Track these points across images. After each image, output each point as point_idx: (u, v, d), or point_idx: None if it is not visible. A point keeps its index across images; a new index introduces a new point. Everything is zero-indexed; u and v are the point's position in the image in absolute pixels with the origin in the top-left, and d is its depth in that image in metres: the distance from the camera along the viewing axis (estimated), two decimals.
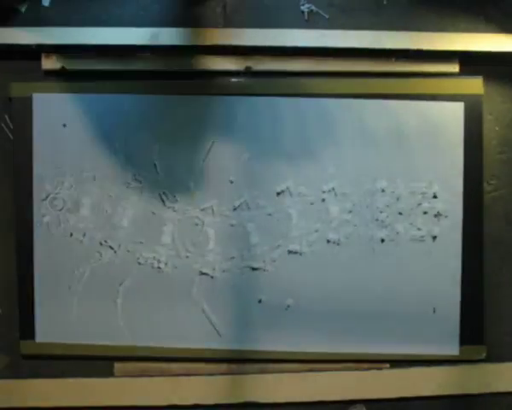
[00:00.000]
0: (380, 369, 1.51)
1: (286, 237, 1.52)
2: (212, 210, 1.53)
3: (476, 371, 1.52)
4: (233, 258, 1.52)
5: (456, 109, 1.51)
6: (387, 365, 1.52)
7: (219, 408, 1.52)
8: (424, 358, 1.51)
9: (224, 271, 1.53)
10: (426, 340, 1.51)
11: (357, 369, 1.51)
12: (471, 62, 1.52)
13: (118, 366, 1.55)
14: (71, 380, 1.53)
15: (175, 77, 1.54)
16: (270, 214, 1.52)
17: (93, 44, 1.51)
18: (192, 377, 1.52)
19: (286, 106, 1.51)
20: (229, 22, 1.54)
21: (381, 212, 1.52)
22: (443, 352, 1.51)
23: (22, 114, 1.52)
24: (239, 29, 1.51)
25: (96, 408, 1.52)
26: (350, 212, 1.52)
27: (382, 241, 1.51)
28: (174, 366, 1.54)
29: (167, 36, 1.51)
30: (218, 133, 1.52)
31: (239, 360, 1.53)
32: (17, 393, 1.52)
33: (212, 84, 1.53)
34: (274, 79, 1.53)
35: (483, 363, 1.52)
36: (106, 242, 1.53)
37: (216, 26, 1.53)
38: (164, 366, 1.54)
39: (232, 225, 1.52)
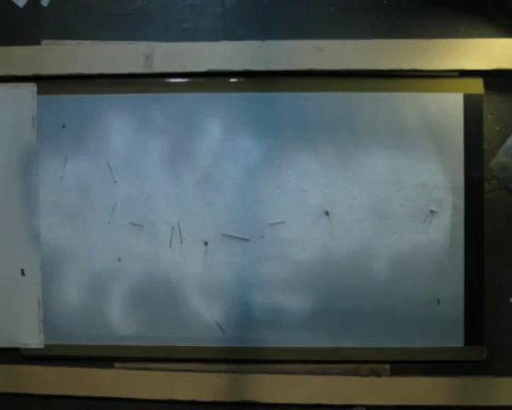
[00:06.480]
0: (379, 376, 1.51)
1: (287, 236, 1.52)
2: (214, 209, 1.53)
3: (476, 384, 1.50)
4: (234, 256, 1.52)
5: (456, 101, 1.51)
6: (387, 366, 1.52)
7: (217, 406, 1.52)
8: (426, 357, 1.51)
9: (225, 269, 1.52)
10: (430, 332, 1.51)
11: (357, 370, 1.51)
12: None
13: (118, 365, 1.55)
14: (72, 369, 1.54)
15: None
16: (270, 214, 1.52)
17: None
18: (191, 374, 1.52)
19: (286, 102, 1.51)
20: None
21: (383, 204, 1.52)
22: (447, 344, 1.51)
23: None
24: None
25: (95, 399, 1.53)
26: (351, 206, 1.52)
27: (384, 234, 1.51)
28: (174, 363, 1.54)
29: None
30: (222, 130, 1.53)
31: (242, 359, 1.53)
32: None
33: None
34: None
35: (484, 377, 1.51)
36: (107, 243, 1.53)
37: None
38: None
39: (233, 225, 1.53)
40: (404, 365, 1.52)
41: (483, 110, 1.51)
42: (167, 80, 1.53)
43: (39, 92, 1.53)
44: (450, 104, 1.51)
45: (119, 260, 1.53)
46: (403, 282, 1.51)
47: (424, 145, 1.51)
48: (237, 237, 1.52)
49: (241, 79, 1.53)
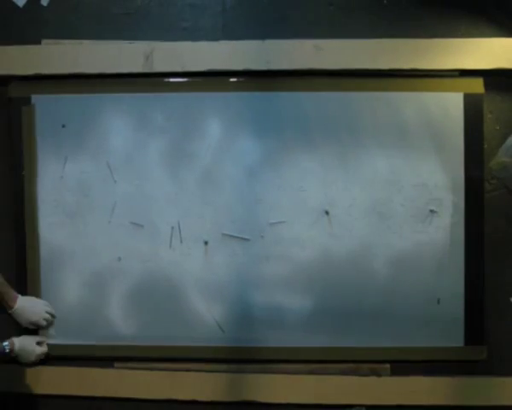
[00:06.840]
0: (379, 376, 1.51)
1: (287, 236, 1.52)
2: (214, 209, 1.53)
3: (476, 384, 1.51)
4: (234, 256, 1.53)
5: (457, 101, 1.51)
6: (387, 365, 1.52)
7: (217, 405, 1.52)
8: (426, 356, 1.51)
9: (224, 269, 1.53)
10: (430, 331, 1.51)
11: (357, 370, 1.51)
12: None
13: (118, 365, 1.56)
14: (72, 369, 1.54)
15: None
16: (270, 214, 1.52)
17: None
18: (191, 373, 1.53)
19: (286, 101, 1.51)
20: None
21: (383, 204, 1.52)
22: (447, 344, 1.51)
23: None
24: None
25: (95, 398, 1.53)
26: (350, 206, 1.52)
27: (384, 234, 1.51)
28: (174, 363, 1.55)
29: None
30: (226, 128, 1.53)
31: (242, 359, 1.53)
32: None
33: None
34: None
35: (484, 376, 1.51)
36: (107, 242, 1.53)
37: None
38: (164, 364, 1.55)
39: (233, 225, 1.53)
40: (404, 364, 1.52)
41: (483, 109, 1.52)
42: (167, 80, 1.53)
43: (39, 92, 1.53)
44: (450, 104, 1.51)
45: (119, 259, 1.53)
46: (403, 281, 1.51)
47: (424, 145, 1.51)
48: (237, 237, 1.52)
49: (240, 79, 1.53)
